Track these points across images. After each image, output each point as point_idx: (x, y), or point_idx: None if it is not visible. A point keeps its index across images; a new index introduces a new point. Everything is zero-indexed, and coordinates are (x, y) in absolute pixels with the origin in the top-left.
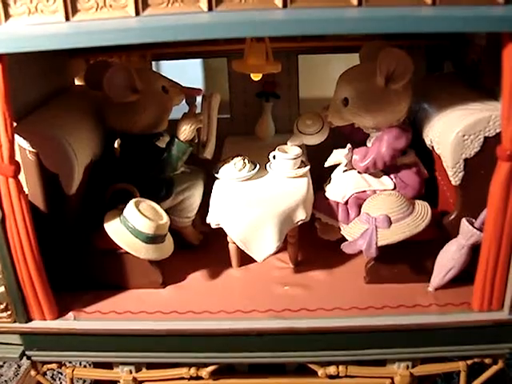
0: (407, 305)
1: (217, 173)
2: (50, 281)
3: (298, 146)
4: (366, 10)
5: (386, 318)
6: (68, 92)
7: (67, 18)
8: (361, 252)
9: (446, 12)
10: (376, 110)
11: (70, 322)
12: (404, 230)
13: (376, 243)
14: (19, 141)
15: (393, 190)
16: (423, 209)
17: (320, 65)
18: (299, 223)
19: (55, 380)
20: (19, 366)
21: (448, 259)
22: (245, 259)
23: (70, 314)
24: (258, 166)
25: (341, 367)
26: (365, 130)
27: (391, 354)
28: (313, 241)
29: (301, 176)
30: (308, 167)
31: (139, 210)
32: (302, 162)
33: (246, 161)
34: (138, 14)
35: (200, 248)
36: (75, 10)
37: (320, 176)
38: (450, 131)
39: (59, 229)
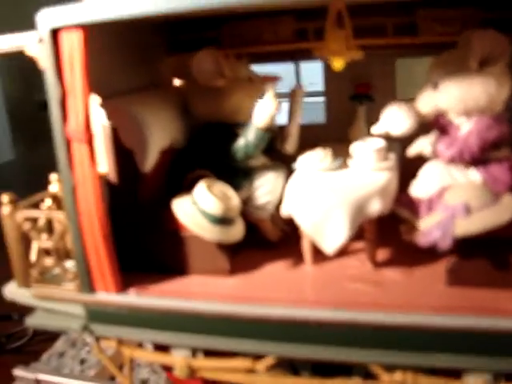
0: (489, 308)
1: (296, 164)
2: (119, 259)
3: (384, 140)
4: None
5: (462, 318)
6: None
7: None
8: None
9: None
10: (467, 95)
11: (132, 297)
12: (485, 220)
13: (452, 233)
14: (98, 115)
15: None
16: (509, 200)
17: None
18: (374, 214)
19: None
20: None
21: None
22: (322, 259)
23: (133, 290)
24: (340, 160)
25: (409, 374)
26: (455, 119)
27: (467, 362)
28: (396, 243)
29: (383, 169)
30: (392, 161)
31: (209, 191)
32: (386, 155)
33: (328, 153)
34: None
35: (278, 245)
36: None
37: (407, 173)
38: None
39: (131, 207)
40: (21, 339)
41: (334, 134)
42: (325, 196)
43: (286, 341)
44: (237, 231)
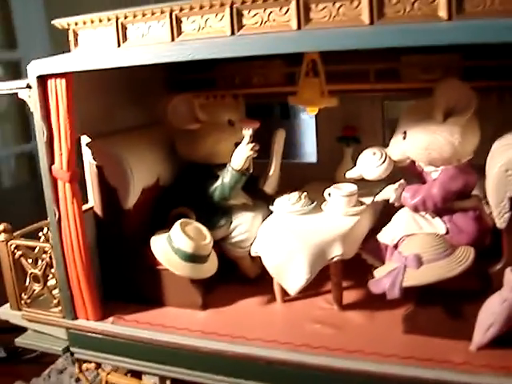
0: (436, 359)
1: (272, 205)
2: (104, 288)
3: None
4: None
5: (409, 368)
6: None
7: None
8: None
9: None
10: (431, 146)
11: (108, 326)
12: (435, 272)
13: (401, 283)
14: (87, 156)
15: (445, 234)
16: (464, 253)
17: None
18: (335, 259)
19: None
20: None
21: (489, 314)
22: (294, 297)
23: (110, 319)
24: (314, 203)
25: None
26: (424, 168)
27: None
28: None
29: (352, 214)
30: (362, 207)
31: (182, 229)
32: (357, 201)
33: (303, 196)
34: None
35: (255, 282)
36: None
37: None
38: (493, 165)
39: (116, 239)
40: (37, 350)
41: (325, 173)
42: (288, 239)
43: (243, 376)
44: (208, 268)
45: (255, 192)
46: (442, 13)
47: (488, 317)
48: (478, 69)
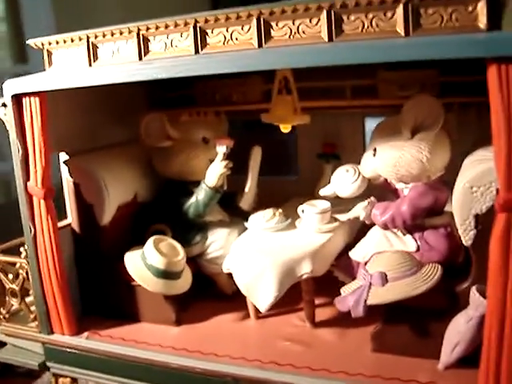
0: (403, 378)
1: (247, 221)
2: (82, 303)
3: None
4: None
5: None
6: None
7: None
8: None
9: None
10: (400, 162)
11: (82, 341)
12: (400, 290)
13: (365, 301)
14: (65, 172)
15: (415, 252)
16: (431, 272)
17: None
18: (304, 277)
19: None
20: None
21: (455, 333)
22: (269, 314)
23: (85, 334)
24: (288, 220)
25: None
26: (396, 184)
27: None
28: None
29: (325, 232)
30: (334, 224)
31: (156, 246)
32: (330, 218)
33: (277, 213)
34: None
35: (232, 298)
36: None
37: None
38: (458, 183)
39: (93, 255)
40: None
41: (307, 189)
42: (258, 257)
43: None
44: (181, 285)
45: (233, 208)
46: (400, 29)
47: (454, 336)
48: (456, 84)
